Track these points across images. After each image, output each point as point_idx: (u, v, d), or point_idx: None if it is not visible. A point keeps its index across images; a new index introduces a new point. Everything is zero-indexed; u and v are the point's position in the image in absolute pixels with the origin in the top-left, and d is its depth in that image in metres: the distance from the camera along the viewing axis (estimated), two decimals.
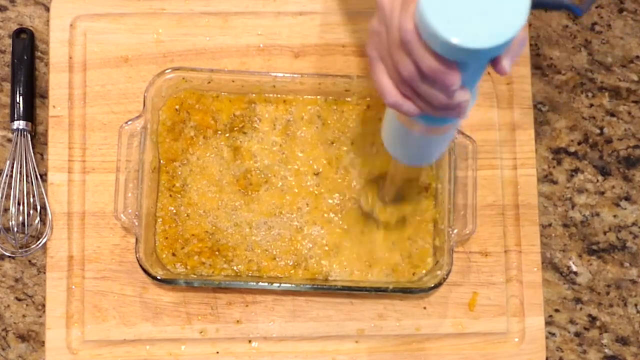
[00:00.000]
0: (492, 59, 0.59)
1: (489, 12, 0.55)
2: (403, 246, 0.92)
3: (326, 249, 0.92)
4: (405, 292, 0.90)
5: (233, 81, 0.92)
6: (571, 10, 0.65)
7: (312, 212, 0.93)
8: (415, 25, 0.58)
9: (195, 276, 0.91)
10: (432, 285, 0.89)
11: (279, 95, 0.94)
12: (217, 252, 0.91)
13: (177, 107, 0.93)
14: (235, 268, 0.92)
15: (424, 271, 0.92)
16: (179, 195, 0.92)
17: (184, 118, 0.93)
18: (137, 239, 0.88)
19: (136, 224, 0.89)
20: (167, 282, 0.89)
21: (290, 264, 0.92)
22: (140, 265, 0.88)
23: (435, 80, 0.60)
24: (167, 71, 0.91)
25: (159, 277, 0.88)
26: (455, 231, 0.90)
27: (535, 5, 0.60)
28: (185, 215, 0.92)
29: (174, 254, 0.91)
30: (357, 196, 0.93)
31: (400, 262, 0.92)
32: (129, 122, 0.91)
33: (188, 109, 0.93)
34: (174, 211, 0.92)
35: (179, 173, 0.93)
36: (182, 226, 0.92)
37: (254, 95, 0.94)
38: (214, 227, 0.92)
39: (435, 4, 0.56)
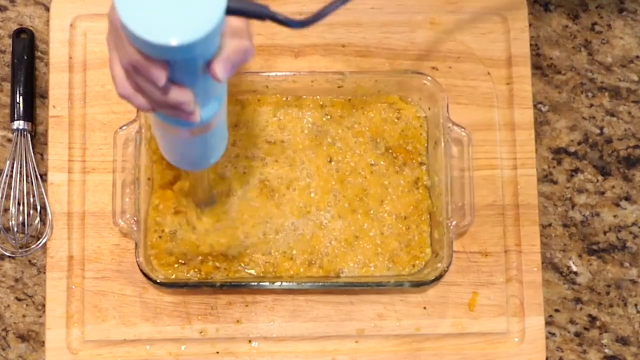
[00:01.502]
0: (205, 61, 0.59)
1: (181, 11, 0.55)
2: (399, 231, 0.92)
3: (343, 243, 0.92)
4: (407, 285, 0.90)
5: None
6: (281, 22, 0.64)
7: (336, 205, 0.93)
8: None
9: (195, 279, 0.91)
10: (433, 277, 0.89)
11: (276, 96, 0.95)
12: (232, 257, 0.92)
13: None
14: (252, 272, 0.92)
15: (423, 262, 0.92)
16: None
17: None
18: (136, 244, 0.88)
19: (135, 228, 0.89)
20: (168, 286, 0.89)
21: (306, 263, 0.92)
22: (141, 269, 0.88)
23: (142, 73, 0.59)
24: None
25: (159, 281, 0.88)
26: (454, 223, 0.90)
27: (236, 12, 0.59)
28: (204, 230, 0.92)
29: (183, 263, 0.91)
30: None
31: (399, 252, 0.92)
32: (124, 127, 0.91)
33: None
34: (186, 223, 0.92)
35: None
36: (196, 236, 0.92)
37: (249, 95, 0.94)
38: (243, 235, 0.92)
39: None
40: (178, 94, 0.60)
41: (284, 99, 0.95)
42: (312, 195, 0.93)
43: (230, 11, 0.57)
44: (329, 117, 0.95)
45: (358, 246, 0.92)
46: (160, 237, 0.91)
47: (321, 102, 0.95)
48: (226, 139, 0.78)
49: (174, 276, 0.91)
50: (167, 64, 0.58)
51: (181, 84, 0.60)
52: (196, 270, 0.91)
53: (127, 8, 0.55)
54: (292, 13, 0.97)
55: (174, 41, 0.54)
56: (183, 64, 0.58)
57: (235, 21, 0.61)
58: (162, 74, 0.58)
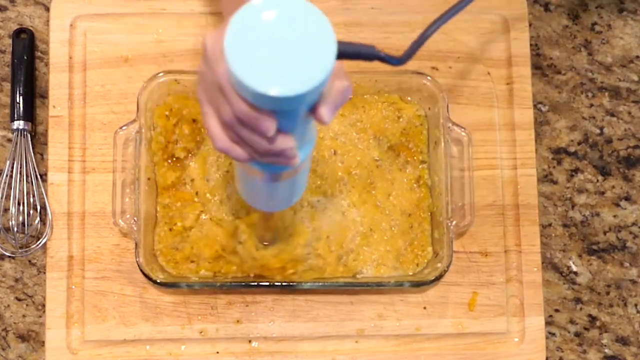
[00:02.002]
0: (310, 107, 0.58)
1: (293, 60, 0.54)
2: (404, 229, 0.92)
3: (363, 238, 0.92)
4: (407, 285, 0.90)
5: None
6: (387, 62, 0.64)
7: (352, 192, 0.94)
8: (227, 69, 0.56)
9: (196, 279, 0.91)
10: (433, 277, 0.89)
11: None
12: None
13: (167, 113, 0.93)
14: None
15: (425, 261, 0.92)
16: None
17: (176, 133, 0.93)
18: (136, 244, 0.88)
19: (135, 228, 0.89)
20: (168, 286, 0.89)
21: (336, 257, 0.92)
22: (141, 269, 0.88)
23: (250, 125, 0.58)
24: (159, 74, 0.91)
25: (159, 281, 0.88)
26: (454, 223, 0.90)
27: (345, 56, 0.59)
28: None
29: (192, 261, 0.91)
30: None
31: (404, 251, 0.92)
32: (124, 127, 0.91)
33: (179, 116, 0.93)
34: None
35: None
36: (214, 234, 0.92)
37: None
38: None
39: (239, 49, 0.54)
40: (283, 142, 0.59)
41: None
42: (319, 182, 0.93)
43: (340, 55, 0.56)
44: None
45: (373, 241, 0.92)
46: (170, 230, 0.91)
47: None
48: (307, 179, 0.76)
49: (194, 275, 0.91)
50: (275, 113, 0.57)
51: (285, 131, 0.59)
52: (208, 269, 0.91)
53: (240, 60, 0.54)
54: None
55: (290, 92, 0.53)
56: (291, 112, 0.58)
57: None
58: (272, 124, 0.57)
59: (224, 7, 0.77)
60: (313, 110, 0.58)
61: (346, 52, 0.58)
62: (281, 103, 0.55)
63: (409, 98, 0.96)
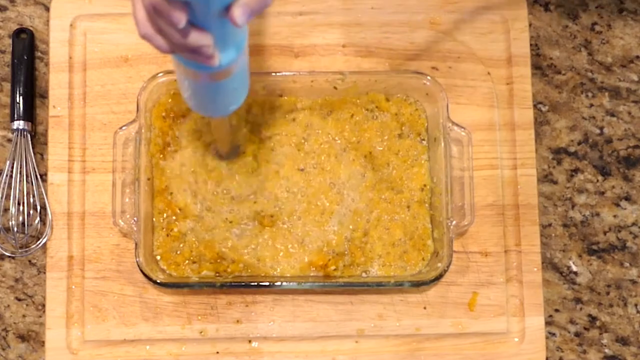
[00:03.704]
0: (225, 5, 0.60)
1: None
2: (405, 221, 0.93)
3: (371, 231, 0.93)
4: (407, 285, 0.90)
5: None
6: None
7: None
8: None
9: (196, 279, 0.91)
10: (433, 277, 0.89)
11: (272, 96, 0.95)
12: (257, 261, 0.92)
13: (163, 114, 0.93)
14: (275, 273, 0.92)
15: (428, 254, 0.92)
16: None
17: (172, 135, 0.93)
18: (136, 244, 0.88)
19: (135, 229, 0.89)
20: (168, 286, 0.89)
21: (342, 253, 0.92)
22: (141, 270, 0.88)
23: (162, 15, 0.61)
24: (159, 75, 0.91)
25: (159, 281, 0.88)
26: (454, 223, 0.90)
27: None
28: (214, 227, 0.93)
29: (194, 262, 0.91)
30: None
31: (407, 247, 0.92)
32: (124, 128, 0.91)
33: (174, 116, 0.93)
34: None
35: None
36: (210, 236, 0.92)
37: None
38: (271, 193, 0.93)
39: None
40: (197, 37, 0.62)
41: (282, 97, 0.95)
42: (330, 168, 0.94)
43: None
44: (331, 112, 0.95)
45: (374, 236, 0.93)
46: (168, 235, 0.91)
47: (320, 101, 0.95)
48: (247, 87, 0.79)
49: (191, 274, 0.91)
50: (186, 6, 0.59)
51: (201, 27, 0.62)
52: (210, 270, 0.91)
53: None
54: (292, 13, 0.98)
55: None
56: (202, 7, 0.60)
57: None
58: (182, 15, 0.59)
59: None
60: (228, 10, 0.60)
61: None
62: None
63: (409, 99, 0.95)
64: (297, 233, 0.92)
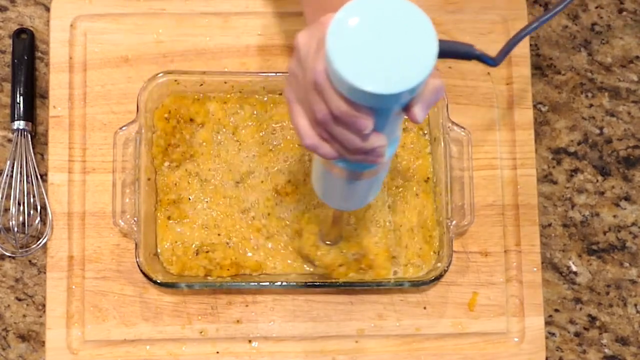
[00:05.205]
0: (404, 105, 0.58)
1: (395, 58, 0.54)
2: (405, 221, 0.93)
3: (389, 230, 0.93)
4: (407, 285, 0.90)
5: (225, 82, 0.93)
6: (483, 61, 0.64)
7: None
8: (326, 67, 0.57)
9: (196, 279, 0.91)
10: (433, 277, 0.89)
11: (271, 96, 0.95)
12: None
13: (166, 115, 0.93)
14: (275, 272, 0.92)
15: (436, 242, 0.92)
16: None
17: (176, 135, 0.94)
18: (136, 244, 0.88)
19: (135, 229, 0.89)
20: (168, 286, 0.89)
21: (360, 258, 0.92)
22: (141, 270, 0.88)
23: (347, 123, 0.58)
24: (159, 75, 0.91)
25: (159, 281, 0.88)
26: (454, 222, 0.90)
27: (444, 55, 0.59)
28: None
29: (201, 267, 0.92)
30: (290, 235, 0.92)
31: (411, 242, 0.92)
32: (124, 128, 0.91)
33: (178, 117, 0.93)
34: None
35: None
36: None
37: (246, 96, 0.94)
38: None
39: (341, 47, 0.55)
40: (376, 140, 0.60)
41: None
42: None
43: (440, 54, 0.56)
44: None
45: (386, 235, 0.93)
46: (177, 241, 0.92)
47: None
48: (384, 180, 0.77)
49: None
50: (372, 111, 0.57)
51: (378, 128, 0.59)
52: (217, 270, 0.91)
53: (342, 57, 0.55)
54: (292, 13, 0.98)
55: (391, 89, 0.54)
56: (386, 110, 0.58)
57: None
58: (369, 122, 0.57)
59: (306, 8, 0.77)
60: (407, 108, 0.59)
61: (445, 50, 0.58)
62: (380, 100, 0.55)
63: None
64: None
